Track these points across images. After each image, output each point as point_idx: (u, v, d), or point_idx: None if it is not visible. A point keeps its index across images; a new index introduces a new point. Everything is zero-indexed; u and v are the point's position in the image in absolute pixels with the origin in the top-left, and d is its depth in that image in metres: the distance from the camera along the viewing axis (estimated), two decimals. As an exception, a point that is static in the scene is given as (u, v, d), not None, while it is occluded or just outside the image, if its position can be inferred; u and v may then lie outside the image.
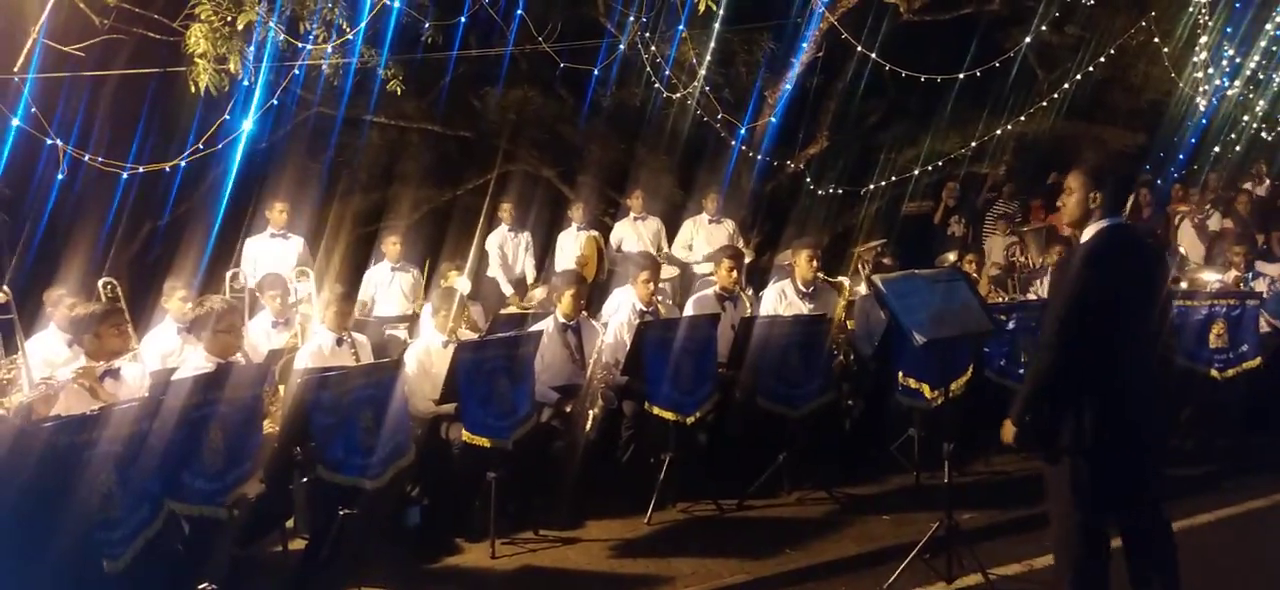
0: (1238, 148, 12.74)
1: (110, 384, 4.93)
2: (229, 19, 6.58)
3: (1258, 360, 7.13)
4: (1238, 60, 11.97)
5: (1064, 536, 3.92)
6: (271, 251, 8.16)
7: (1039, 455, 3.94)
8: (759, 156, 10.55)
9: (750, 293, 7.32)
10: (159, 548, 4.08)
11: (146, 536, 3.96)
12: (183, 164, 7.06)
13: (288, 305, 6.99)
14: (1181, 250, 10.17)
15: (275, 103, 7.17)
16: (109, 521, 3.80)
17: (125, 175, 6.53)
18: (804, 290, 6.97)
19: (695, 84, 9.27)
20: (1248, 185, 11.63)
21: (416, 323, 8.00)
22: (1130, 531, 3.97)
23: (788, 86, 10.36)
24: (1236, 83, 12.08)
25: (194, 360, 5.39)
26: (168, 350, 6.29)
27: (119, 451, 3.90)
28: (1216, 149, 12.66)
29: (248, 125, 6.91)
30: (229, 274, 7.68)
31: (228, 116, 6.85)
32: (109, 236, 7.98)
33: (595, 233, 9.51)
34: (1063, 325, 3.78)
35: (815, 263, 6.98)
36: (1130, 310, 3.81)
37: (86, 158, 6.37)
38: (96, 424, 3.88)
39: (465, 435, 5.39)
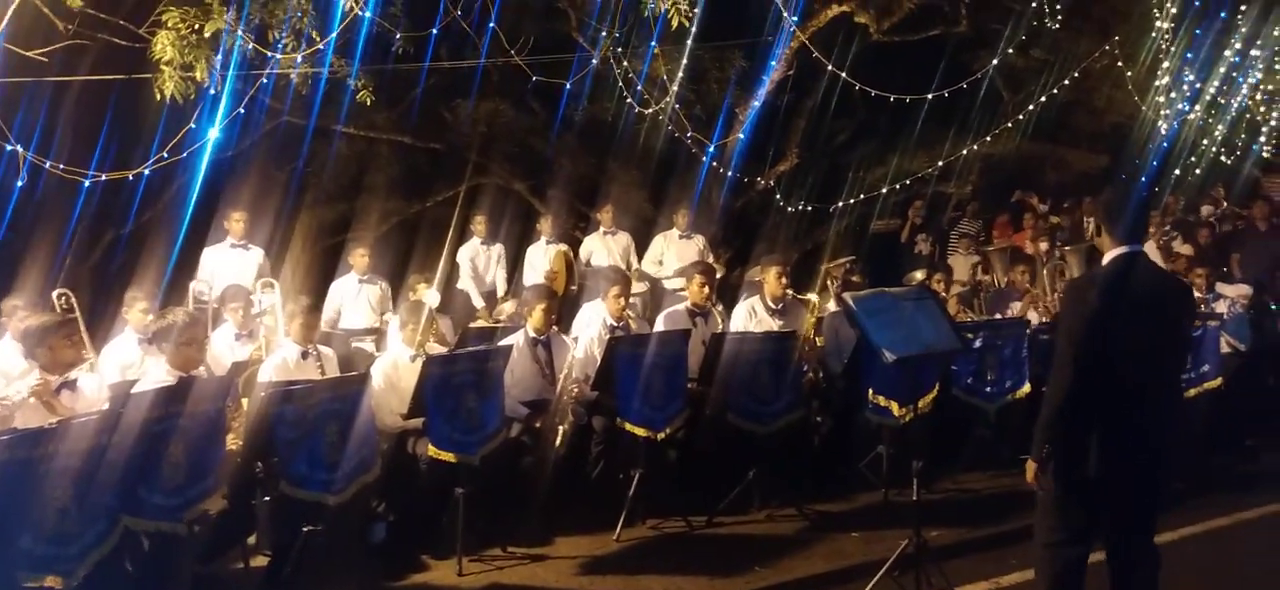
0: (1197, 171, 12.97)
1: (67, 396, 4.82)
2: (197, 27, 6.49)
3: (1218, 380, 7.26)
4: (1198, 85, 12.20)
5: (1046, 559, 3.95)
6: (231, 262, 8.01)
7: (1043, 485, 3.88)
8: (729, 173, 10.58)
9: (721, 308, 7.33)
10: (114, 565, 3.98)
11: (101, 552, 3.86)
12: (146, 172, 6.94)
13: (250, 317, 6.90)
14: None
15: (242, 112, 7.08)
16: (62, 537, 3.71)
17: (87, 183, 6.41)
18: (773, 307, 6.99)
19: (667, 100, 9.28)
20: (1207, 210, 11.84)
21: (383, 336, 7.92)
22: (1116, 553, 3.98)
23: (758, 104, 10.41)
24: (1197, 107, 12.30)
25: (155, 373, 5.29)
26: (127, 362, 6.17)
27: (76, 466, 3.81)
28: (1177, 172, 12.87)
29: (214, 134, 6.82)
30: (192, 285, 7.56)
31: (194, 125, 6.75)
32: (70, 245, 7.82)
33: (564, 247, 9.48)
34: (1076, 350, 3.75)
35: (785, 279, 7.00)
36: (1141, 339, 3.75)
37: (47, 164, 6.25)
38: (52, 437, 3.79)
39: (432, 450, 5.33)
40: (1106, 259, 3.91)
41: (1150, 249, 10.65)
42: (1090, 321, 3.74)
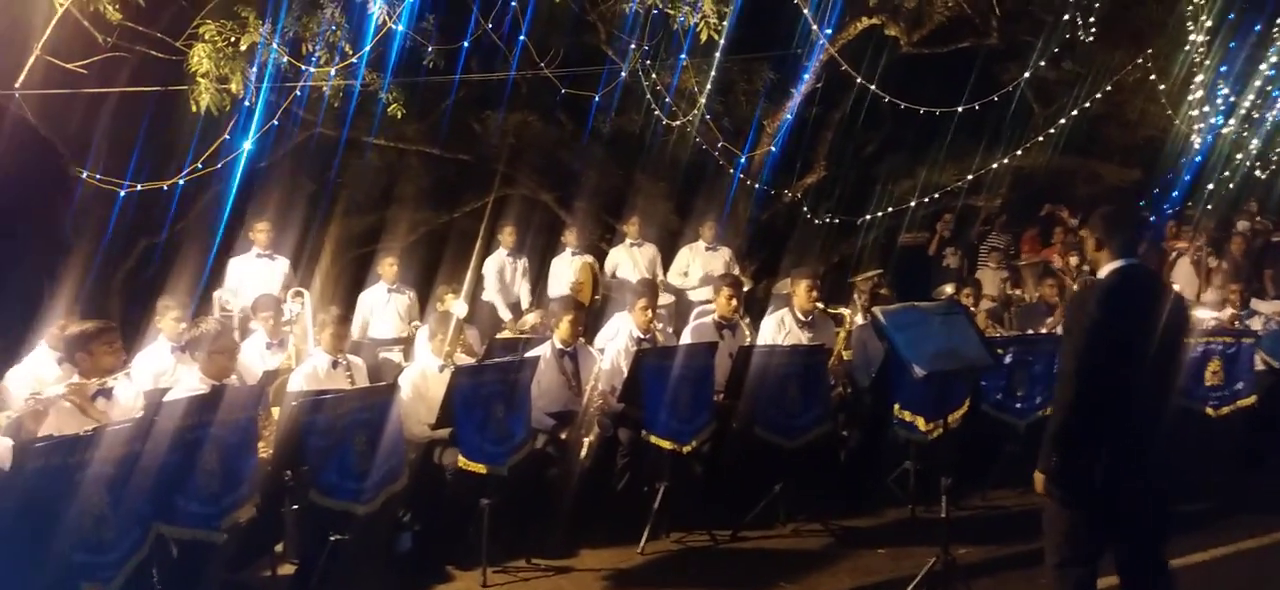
0: (1231, 186, 12.80)
1: (102, 403, 4.89)
2: (232, 40, 6.59)
3: (1253, 398, 7.15)
4: (1232, 99, 12.04)
5: (1057, 580, 3.96)
6: (257, 272, 8.09)
7: (1054, 495, 3.89)
8: (757, 185, 10.58)
9: (748, 321, 7.32)
10: (143, 574, 4.02)
11: (138, 560, 3.91)
12: (181, 183, 7.05)
13: (280, 326, 6.97)
14: (1176, 287, 10.18)
15: (276, 123, 7.18)
16: (101, 544, 3.76)
17: (123, 193, 6.51)
18: (803, 320, 6.96)
19: (695, 112, 9.29)
20: (1242, 225, 11.68)
21: (411, 345, 7.97)
22: (1129, 573, 3.96)
23: (788, 116, 10.40)
24: (1231, 121, 12.14)
25: (188, 380, 5.36)
26: (161, 369, 6.24)
27: (111, 473, 3.86)
28: (1211, 186, 12.71)
29: (248, 145, 6.92)
30: (217, 295, 7.63)
31: (228, 136, 6.85)
32: (105, 254, 7.93)
33: (590, 258, 9.51)
34: (1080, 361, 3.78)
35: (815, 293, 6.98)
36: (1142, 351, 3.78)
37: (84, 174, 6.36)
38: (89, 444, 3.84)
39: (461, 461, 5.36)
40: (1104, 272, 3.94)
41: (1184, 265, 10.56)
42: (1090, 333, 3.77)
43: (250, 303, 7.69)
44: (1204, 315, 8.03)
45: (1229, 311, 7.78)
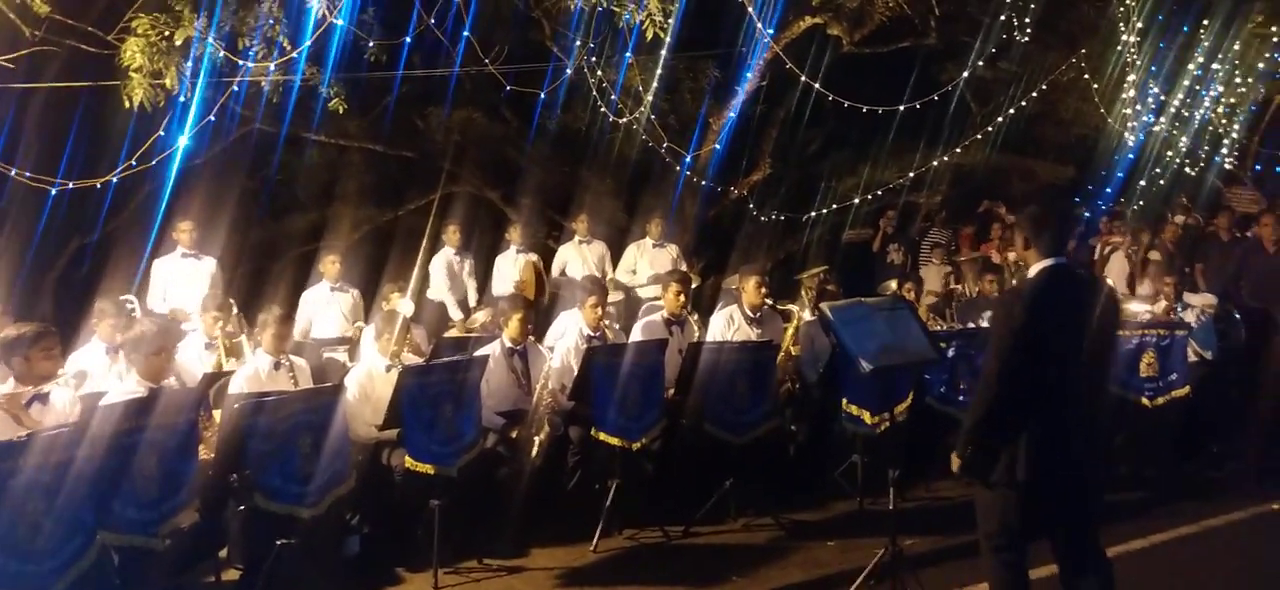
0: (1162, 182, 13.18)
1: (37, 409, 4.72)
2: (166, 34, 6.42)
3: (1186, 389, 7.35)
4: (1162, 98, 12.40)
5: (991, 564, 4.08)
6: (182, 272, 7.87)
7: (977, 484, 4.05)
8: (703, 182, 10.62)
9: (696, 317, 7.33)
10: (92, 581, 3.90)
11: (80, 568, 3.78)
12: (114, 180, 6.86)
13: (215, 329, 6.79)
14: (1109, 281, 10.44)
15: (212, 119, 7.01)
16: (37, 553, 3.63)
17: (54, 191, 6.32)
18: (752, 316, 7.00)
19: (641, 110, 9.30)
20: (1177, 219, 12.02)
21: (356, 345, 7.84)
22: (1066, 560, 4.07)
23: (732, 114, 10.46)
24: (1161, 119, 12.51)
25: (123, 384, 5.21)
26: (95, 372, 6.06)
27: (47, 479, 3.73)
28: (1143, 182, 13.08)
29: (183, 141, 6.74)
30: (123, 299, 7.36)
31: (163, 132, 6.68)
32: (36, 253, 7.68)
33: (534, 256, 9.45)
34: (1002, 362, 3.89)
35: (764, 289, 7.02)
36: (1069, 346, 3.89)
37: (13, 172, 6.15)
38: (21, 451, 3.71)
39: (409, 462, 5.28)
40: (1033, 271, 4.03)
41: (1118, 260, 10.84)
42: (1017, 334, 3.86)
43: (174, 306, 7.51)
44: (1138, 308, 8.24)
45: (1163, 304, 7.98)
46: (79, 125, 7.25)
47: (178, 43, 6.50)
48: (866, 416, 6.46)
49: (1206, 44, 12.10)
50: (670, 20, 8.27)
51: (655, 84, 9.29)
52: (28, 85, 6.65)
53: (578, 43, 8.76)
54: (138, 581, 4.36)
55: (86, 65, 6.73)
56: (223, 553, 5.31)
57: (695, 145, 10.40)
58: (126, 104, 6.53)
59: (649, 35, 8.08)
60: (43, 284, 8.47)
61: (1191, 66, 12.19)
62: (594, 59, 9.03)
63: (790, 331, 7.05)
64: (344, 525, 5.53)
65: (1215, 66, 12.44)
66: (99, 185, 6.81)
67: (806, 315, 7.27)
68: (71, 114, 7.21)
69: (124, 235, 8.73)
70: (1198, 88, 12.44)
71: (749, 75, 10.27)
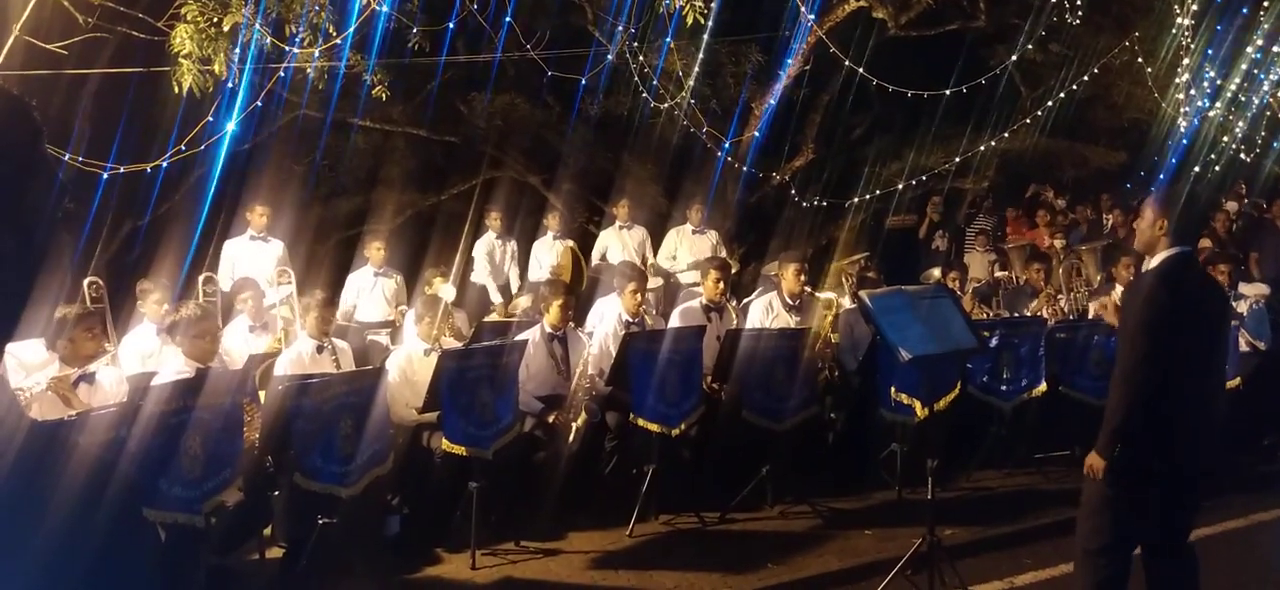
0: (1217, 168, 12.85)
1: (85, 390, 4.85)
2: (215, 20, 6.51)
3: (1237, 380, 7.18)
4: (1218, 82, 12.07)
5: (1089, 567, 3.94)
6: (251, 254, 8.07)
7: (1105, 485, 3.86)
8: (744, 168, 10.56)
9: (735, 304, 7.31)
10: (131, 556, 4.00)
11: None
12: (164, 165, 6.99)
13: (262, 308, 6.93)
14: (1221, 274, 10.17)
15: (259, 105, 7.11)
16: (89, 529, 3.73)
17: (106, 175, 6.45)
18: (791, 303, 6.97)
19: (682, 95, 9.26)
20: (1230, 205, 11.73)
21: (398, 329, 7.94)
22: (1156, 554, 4.00)
23: (773, 100, 10.38)
24: (1217, 104, 12.18)
25: (173, 363, 5.33)
26: (147, 352, 6.22)
27: (94, 458, 3.83)
28: (1196, 169, 12.75)
29: (231, 127, 6.86)
30: (201, 278, 7.59)
31: (211, 118, 6.79)
32: (89, 237, 7.86)
33: (572, 243, 9.47)
34: (1147, 350, 3.74)
35: (803, 277, 6.99)
36: (1192, 340, 3.79)
37: (66, 157, 6.29)
38: (70, 430, 3.81)
39: (444, 443, 5.35)
40: (1160, 258, 3.90)
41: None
42: (1163, 320, 3.74)
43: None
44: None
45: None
46: (129, 111, 7.39)
47: (226, 29, 6.59)
48: (917, 406, 6.35)
49: (1266, 26, 11.72)
50: (712, 4, 8.21)
51: (696, 68, 9.24)
52: (81, 72, 6.79)
53: (619, 28, 8.73)
54: (183, 557, 4.47)
55: (137, 52, 6.85)
56: (267, 531, 5.42)
57: (736, 130, 10.34)
58: (176, 90, 6.63)
59: (690, 20, 8.03)
60: (96, 267, 8.66)
61: (1249, 49, 11.83)
62: (635, 44, 9.01)
63: (827, 318, 7.00)
64: (385, 505, 5.62)
65: (1276, 49, 12.06)
66: (149, 169, 6.94)
67: (846, 302, 7.22)
68: (122, 100, 7.35)
69: (174, 218, 8.90)
70: (1256, 71, 12.07)
71: (791, 60, 10.16)
